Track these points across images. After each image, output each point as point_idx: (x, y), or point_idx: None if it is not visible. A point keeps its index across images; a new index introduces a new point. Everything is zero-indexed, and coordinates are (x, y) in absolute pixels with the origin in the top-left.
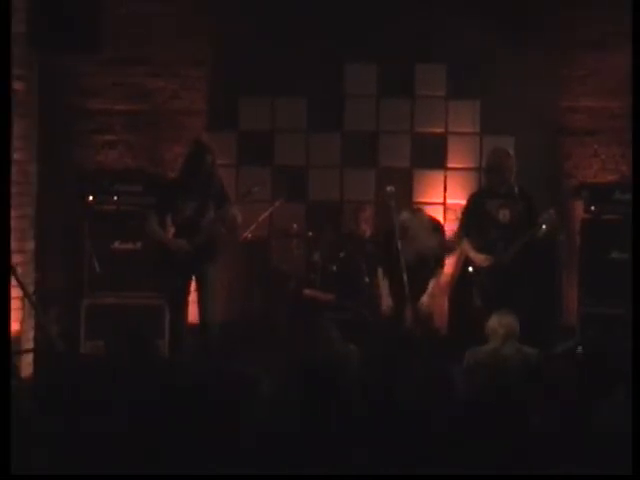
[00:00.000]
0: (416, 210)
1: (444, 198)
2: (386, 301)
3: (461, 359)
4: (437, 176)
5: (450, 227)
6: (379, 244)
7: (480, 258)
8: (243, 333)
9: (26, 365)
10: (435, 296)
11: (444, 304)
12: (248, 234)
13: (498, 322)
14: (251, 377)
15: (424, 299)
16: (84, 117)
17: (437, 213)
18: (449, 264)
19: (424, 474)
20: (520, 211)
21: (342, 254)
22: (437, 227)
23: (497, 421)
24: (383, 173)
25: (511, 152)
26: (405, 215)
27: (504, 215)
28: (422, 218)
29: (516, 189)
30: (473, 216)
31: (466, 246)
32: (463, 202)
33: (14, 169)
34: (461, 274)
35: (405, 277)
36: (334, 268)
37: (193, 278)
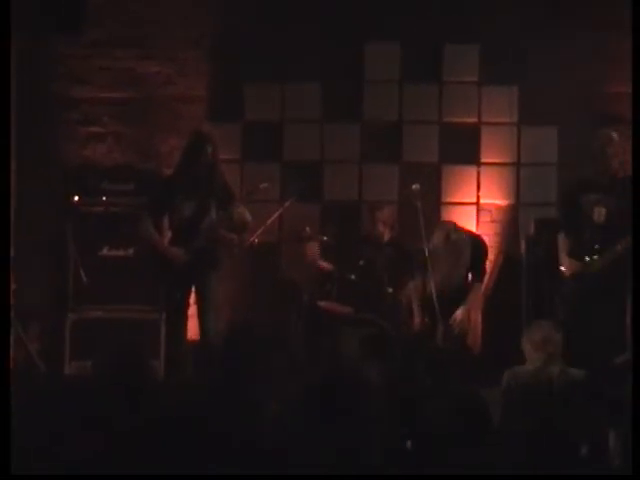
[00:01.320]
0: (449, 230)
1: (477, 198)
2: (418, 315)
3: (497, 380)
4: (469, 172)
5: (484, 230)
6: (405, 249)
7: (566, 262)
8: (250, 351)
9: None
10: (470, 310)
11: (478, 318)
12: (255, 239)
13: (540, 338)
14: (259, 400)
15: (458, 314)
16: (67, 106)
17: (469, 214)
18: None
19: (424, 474)
20: (620, 210)
21: (362, 261)
22: (476, 244)
23: (541, 451)
24: (407, 169)
25: (615, 137)
26: (436, 240)
27: (599, 213)
28: (456, 241)
29: (619, 183)
30: (565, 213)
31: (561, 245)
32: (498, 202)
33: None
34: (496, 284)
35: (433, 289)
36: (352, 277)
37: (193, 289)
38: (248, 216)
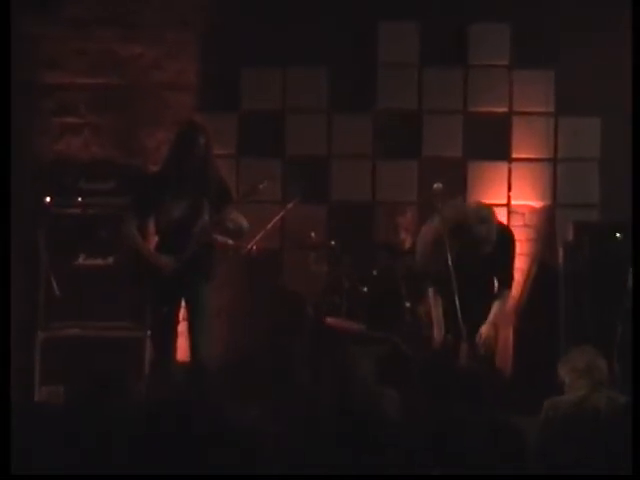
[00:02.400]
0: (484, 213)
1: (508, 198)
2: (439, 333)
3: (529, 408)
4: (499, 169)
5: (516, 236)
6: (425, 258)
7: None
8: (248, 373)
9: None
10: (499, 326)
11: (509, 336)
12: (253, 245)
13: (584, 365)
14: (258, 429)
15: (484, 330)
16: (39, 94)
17: (499, 216)
18: (517, 283)
19: (424, 474)
20: None
21: (375, 271)
22: (508, 238)
23: None
24: (428, 166)
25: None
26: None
27: None
28: (490, 225)
29: None
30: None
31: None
32: (532, 203)
33: None
34: (529, 298)
35: (458, 301)
36: (365, 289)
37: (182, 302)
38: (244, 221)
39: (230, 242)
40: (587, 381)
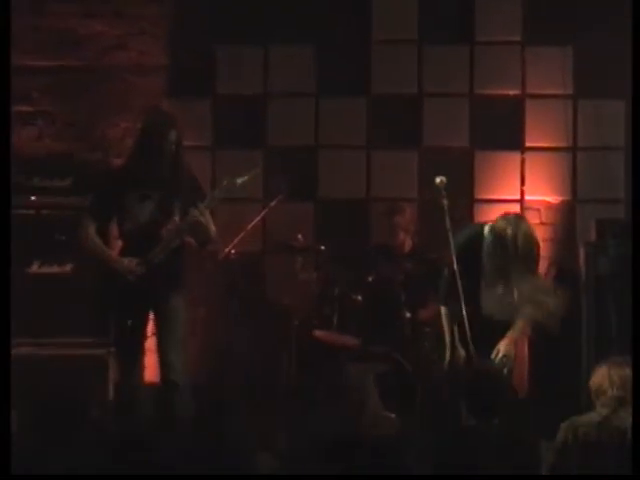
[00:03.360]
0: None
1: (521, 193)
2: (456, 350)
3: (549, 430)
4: (510, 160)
5: None
6: (430, 263)
7: None
8: (227, 395)
9: None
10: (517, 343)
11: (523, 350)
12: (231, 249)
13: (609, 379)
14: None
15: (501, 346)
16: None
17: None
18: None
19: (424, 474)
20: None
21: (371, 278)
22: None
23: None
24: (430, 157)
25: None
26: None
27: None
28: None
29: None
30: None
31: None
32: (549, 198)
33: None
34: None
35: (465, 313)
36: (359, 298)
37: (150, 315)
38: (212, 226)
39: (199, 248)
40: (612, 398)
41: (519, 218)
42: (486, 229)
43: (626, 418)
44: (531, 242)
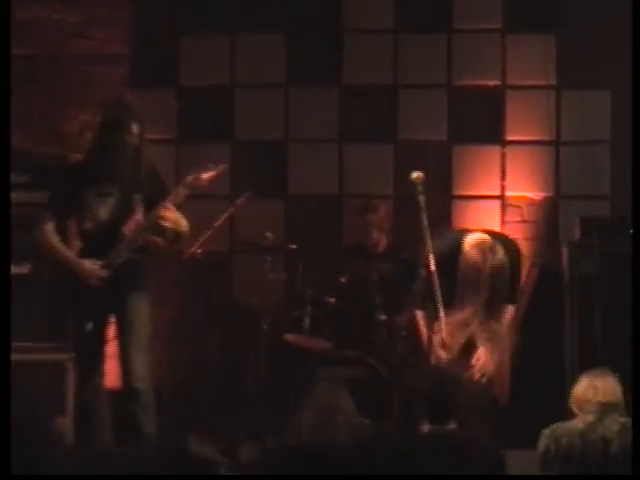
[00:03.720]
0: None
1: (501, 189)
2: (432, 355)
3: (530, 441)
4: (490, 154)
5: (511, 234)
6: (406, 263)
7: None
8: (193, 404)
9: None
10: (498, 348)
11: (504, 357)
12: (197, 249)
13: (593, 387)
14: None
15: (480, 353)
16: None
17: (490, 212)
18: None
19: (423, 474)
20: None
21: (344, 278)
22: (511, 252)
23: None
24: (405, 151)
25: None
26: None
27: None
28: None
29: None
30: None
31: None
32: (530, 194)
33: None
34: (528, 309)
35: (442, 315)
36: (331, 300)
37: (112, 318)
38: (183, 221)
39: (168, 246)
40: (597, 404)
41: (495, 244)
42: (465, 246)
43: (611, 427)
44: (504, 271)
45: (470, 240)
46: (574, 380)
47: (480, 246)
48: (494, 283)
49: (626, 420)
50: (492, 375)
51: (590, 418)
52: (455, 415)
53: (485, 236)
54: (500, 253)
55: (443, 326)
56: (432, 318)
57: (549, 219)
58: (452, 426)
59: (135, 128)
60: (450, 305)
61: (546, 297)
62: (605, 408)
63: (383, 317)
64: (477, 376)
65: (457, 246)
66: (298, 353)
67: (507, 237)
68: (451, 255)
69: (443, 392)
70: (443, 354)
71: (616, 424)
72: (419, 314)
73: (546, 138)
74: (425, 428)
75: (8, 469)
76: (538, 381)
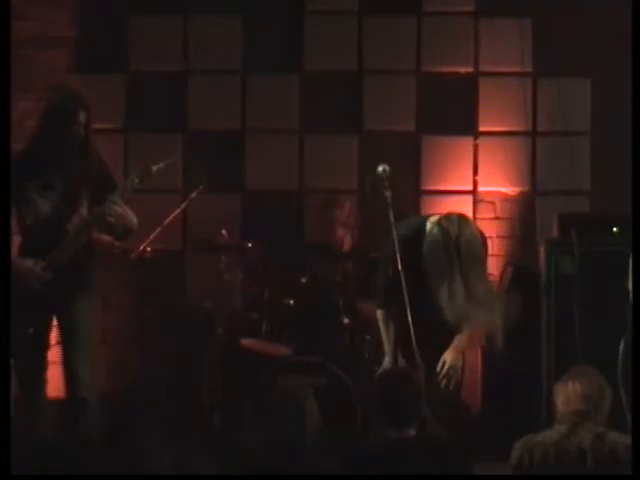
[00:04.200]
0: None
1: (474, 183)
2: (391, 359)
3: (504, 452)
4: (462, 146)
5: (486, 232)
6: (371, 262)
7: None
8: (141, 413)
9: None
10: (465, 351)
11: (477, 362)
12: (146, 248)
13: (567, 392)
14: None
15: (447, 357)
16: None
17: (461, 208)
18: None
19: (424, 474)
20: None
21: (304, 279)
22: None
23: None
24: (371, 142)
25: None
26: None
27: None
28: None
29: None
30: None
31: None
32: (505, 189)
33: None
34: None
35: (410, 319)
36: (291, 302)
37: (54, 321)
38: (132, 216)
39: (115, 243)
40: (571, 413)
41: (462, 218)
42: (428, 226)
43: (585, 436)
44: (476, 244)
45: (432, 219)
46: (550, 387)
47: (443, 221)
48: (465, 264)
49: (602, 430)
50: (461, 381)
51: (564, 428)
52: (413, 421)
53: (445, 213)
54: (470, 228)
55: (412, 328)
56: (396, 320)
57: (525, 216)
58: (411, 432)
59: (81, 117)
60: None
61: (521, 297)
62: (577, 417)
63: (346, 321)
64: (443, 383)
65: (420, 231)
66: (255, 359)
67: (468, 217)
68: (415, 242)
69: (398, 396)
70: (403, 362)
71: (590, 434)
72: (380, 314)
73: (521, 129)
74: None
75: (8, 469)
76: (512, 388)
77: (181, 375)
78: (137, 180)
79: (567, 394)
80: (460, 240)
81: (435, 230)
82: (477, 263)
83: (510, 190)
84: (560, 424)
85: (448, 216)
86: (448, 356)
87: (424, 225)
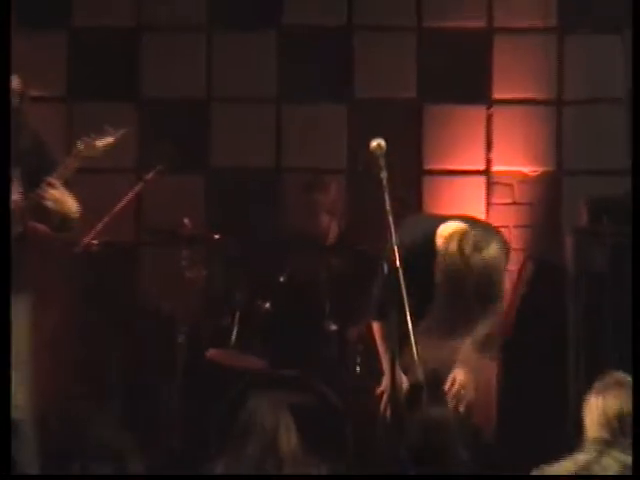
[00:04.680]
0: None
1: (487, 162)
2: (389, 375)
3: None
4: (472, 117)
5: (499, 219)
6: (364, 257)
7: None
8: (89, 435)
9: None
10: (478, 364)
11: (492, 376)
12: (92, 239)
13: (594, 413)
14: None
15: (457, 372)
16: None
17: (473, 191)
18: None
19: (424, 474)
20: None
21: (283, 277)
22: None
23: None
24: (363, 112)
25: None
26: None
27: None
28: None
29: None
30: None
31: None
32: (524, 169)
33: None
34: (524, 311)
35: (411, 328)
36: (267, 306)
37: None
38: (71, 202)
39: (54, 233)
40: (595, 441)
41: (485, 238)
42: (439, 240)
43: (610, 466)
44: (499, 271)
45: (444, 231)
46: (579, 401)
47: (457, 238)
48: (479, 288)
49: (624, 457)
50: (473, 401)
51: (586, 456)
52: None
53: (463, 225)
54: (490, 248)
55: (413, 341)
56: (396, 330)
57: (548, 200)
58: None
59: (15, 82)
60: (421, 314)
61: (544, 298)
62: (601, 445)
63: (333, 327)
64: (453, 404)
65: (429, 241)
66: (224, 373)
67: (492, 227)
68: (422, 250)
69: (433, 445)
70: (405, 380)
71: (616, 463)
72: (376, 325)
73: (544, 96)
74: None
75: (8, 469)
76: (533, 405)
77: (134, 392)
78: (79, 157)
79: (595, 411)
80: (481, 270)
81: (452, 248)
82: (494, 292)
83: (531, 170)
84: (583, 451)
85: (467, 233)
86: (458, 373)
87: (433, 235)
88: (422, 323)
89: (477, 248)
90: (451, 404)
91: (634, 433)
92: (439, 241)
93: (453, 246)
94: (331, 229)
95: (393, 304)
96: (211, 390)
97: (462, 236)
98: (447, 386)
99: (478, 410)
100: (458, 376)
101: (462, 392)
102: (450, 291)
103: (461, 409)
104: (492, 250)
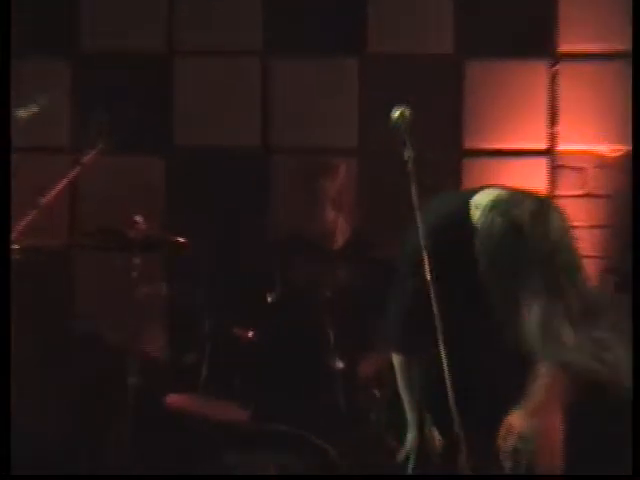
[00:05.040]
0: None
1: (550, 138)
2: (425, 432)
3: None
4: (531, 77)
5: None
6: (376, 267)
7: None
8: None
9: None
10: (543, 408)
11: (557, 422)
12: (13, 244)
13: None
14: None
15: (513, 421)
16: None
17: (531, 174)
18: None
19: (427, 474)
20: None
21: (271, 295)
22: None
23: None
24: (380, 72)
25: None
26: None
27: None
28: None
29: None
30: None
31: None
32: (598, 148)
33: None
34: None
35: (445, 364)
36: (249, 334)
37: None
38: None
39: None
40: None
41: (546, 203)
42: (477, 212)
43: None
44: (568, 241)
45: (482, 200)
46: None
47: (509, 204)
48: (550, 273)
49: None
50: (533, 451)
51: None
52: None
53: (513, 191)
54: (554, 219)
55: (448, 382)
56: (425, 369)
57: (628, 189)
58: None
59: None
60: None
61: (625, 313)
62: None
63: (340, 365)
64: (509, 465)
65: (462, 218)
66: (190, 425)
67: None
68: (454, 235)
69: None
70: (437, 436)
71: None
72: (397, 360)
73: (622, 47)
74: None
75: (8, 469)
76: (608, 444)
77: (69, 445)
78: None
79: None
80: (543, 237)
81: (497, 219)
82: (572, 270)
83: (608, 149)
84: None
85: (512, 197)
86: (515, 419)
87: (467, 208)
88: (462, 349)
89: (537, 215)
90: (506, 464)
91: (634, 433)
92: (477, 212)
93: (502, 214)
94: (338, 228)
95: (421, 330)
96: (172, 447)
97: (508, 200)
98: (500, 439)
99: (542, 457)
100: (514, 422)
101: (520, 445)
102: (503, 275)
103: (521, 470)
104: (556, 217)
